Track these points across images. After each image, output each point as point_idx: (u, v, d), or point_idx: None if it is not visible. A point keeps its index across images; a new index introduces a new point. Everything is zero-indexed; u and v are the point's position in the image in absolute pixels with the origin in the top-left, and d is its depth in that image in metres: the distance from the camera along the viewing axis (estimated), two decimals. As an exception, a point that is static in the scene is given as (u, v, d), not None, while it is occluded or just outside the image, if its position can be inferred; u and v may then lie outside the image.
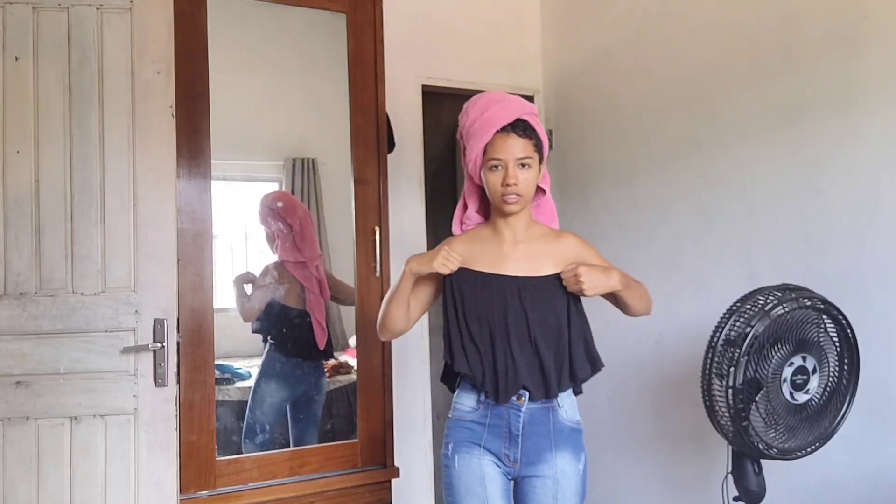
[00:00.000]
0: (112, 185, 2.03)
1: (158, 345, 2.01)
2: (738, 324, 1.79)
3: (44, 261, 1.99)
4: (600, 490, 3.04)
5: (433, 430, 3.15)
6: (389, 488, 2.50)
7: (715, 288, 2.49)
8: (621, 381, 2.92)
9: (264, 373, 2.59)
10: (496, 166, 1.66)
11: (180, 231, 2.15)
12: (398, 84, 2.96)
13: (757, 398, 1.78)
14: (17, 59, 1.99)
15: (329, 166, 2.91)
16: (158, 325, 2.02)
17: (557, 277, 1.68)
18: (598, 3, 3.12)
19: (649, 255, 2.79)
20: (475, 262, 1.72)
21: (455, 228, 1.85)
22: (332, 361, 2.87)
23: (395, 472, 2.49)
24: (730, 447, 1.91)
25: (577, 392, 1.76)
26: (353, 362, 2.64)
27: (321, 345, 2.59)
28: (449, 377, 1.79)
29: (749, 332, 1.75)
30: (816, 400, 1.84)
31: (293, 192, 2.89)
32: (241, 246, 2.70)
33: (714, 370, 1.82)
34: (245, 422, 2.51)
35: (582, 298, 1.70)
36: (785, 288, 1.86)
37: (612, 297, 1.74)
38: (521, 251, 1.72)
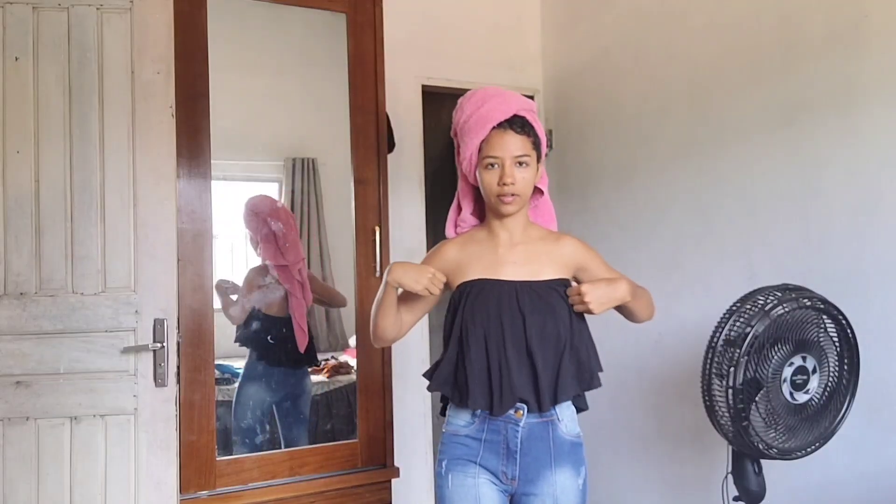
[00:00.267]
0: (112, 185, 2.03)
1: (158, 345, 2.01)
2: (738, 324, 1.79)
3: (44, 261, 1.99)
4: (600, 490, 3.04)
5: (433, 430, 3.15)
6: (389, 488, 2.50)
7: (715, 288, 2.49)
8: (621, 381, 2.92)
9: (247, 376, 2.57)
10: (492, 164, 1.57)
11: (180, 231, 2.15)
12: (398, 84, 2.96)
13: (757, 398, 1.78)
14: (17, 59, 1.99)
15: (329, 166, 2.91)
16: (158, 325, 2.02)
17: (559, 282, 1.61)
18: (598, 3, 3.12)
19: (649, 255, 2.79)
20: (469, 267, 1.64)
21: (449, 231, 1.76)
22: (331, 361, 2.87)
23: (395, 472, 2.49)
24: (730, 447, 1.91)
25: (580, 408, 1.67)
26: (353, 362, 2.64)
27: (302, 348, 2.56)
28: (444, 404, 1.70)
29: (749, 332, 1.75)
30: (816, 400, 1.84)
31: (293, 193, 2.89)
32: (241, 246, 2.70)
33: (714, 370, 1.82)
34: (231, 423, 2.50)
35: None
36: (785, 288, 1.86)
37: (618, 306, 1.64)
38: (518, 254, 1.63)
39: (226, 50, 2.37)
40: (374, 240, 2.49)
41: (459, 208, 1.75)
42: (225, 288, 2.49)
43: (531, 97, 3.38)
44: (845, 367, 1.85)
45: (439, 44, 3.21)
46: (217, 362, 2.29)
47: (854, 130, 2.06)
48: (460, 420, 1.63)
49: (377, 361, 2.51)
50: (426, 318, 3.06)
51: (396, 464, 2.51)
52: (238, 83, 2.62)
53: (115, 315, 2.01)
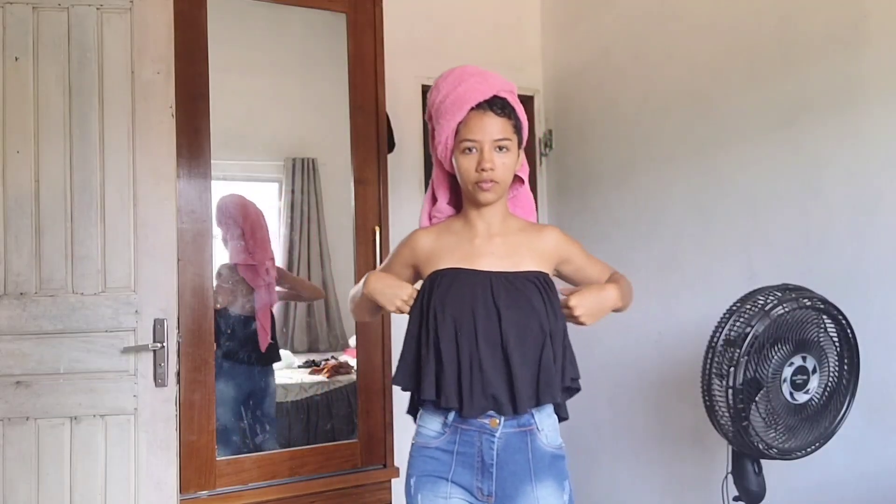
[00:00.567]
0: (112, 185, 2.03)
1: (158, 345, 2.01)
2: (738, 324, 1.79)
3: (44, 261, 1.99)
4: (600, 490, 3.04)
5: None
6: (389, 488, 2.50)
7: (715, 288, 2.49)
8: (621, 381, 2.92)
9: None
10: (470, 149, 1.46)
11: (180, 231, 2.15)
12: (398, 84, 2.96)
13: (757, 398, 1.78)
14: (17, 59, 1.99)
15: (329, 166, 2.91)
16: (158, 325, 2.02)
17: (538, 275, 1.49)
18: (598, 3, 3.12)
19: (649, 255, 2.79)
20: (442, 258, 1.52)
21: (423, 223, 1.66)
22: (331, 362, 2.87)
23: (395, 472, 2.49)
24: (730, 447, 1.91)
25: (562, 416, 1.55)
26: (353, 362, 2.64)
27: (263, 347, 2.56)
28: (414, 404, 1.57)
29: (749, 332, 1.75)
30: (816, 400, 1.84)
31: (293, 193, 2.89)
32: (241, 246, 2.70)
33: (714, 370, 1.82)
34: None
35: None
36: (785, 288, 1.86)
37: None
38: (496, 246, 1.51)
39: (226, 50, 2.37)
40: (374, 240, 2.49)
41: (434, 198, 1.64)
42: None
43: (531, 97, 3.40)
44: (845, 367, 1.85)
45: (439, 44, 3.21)
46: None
47: (854, 130, 2.06)
48: (430, 430, 1.51)
49: (377, 361, 2.51)
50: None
51: (396, 464, 2.51)
52: (238, 83, 2.62)
53: (115, 315, 2.01)
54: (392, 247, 2.54)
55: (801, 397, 1.81)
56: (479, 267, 1.49)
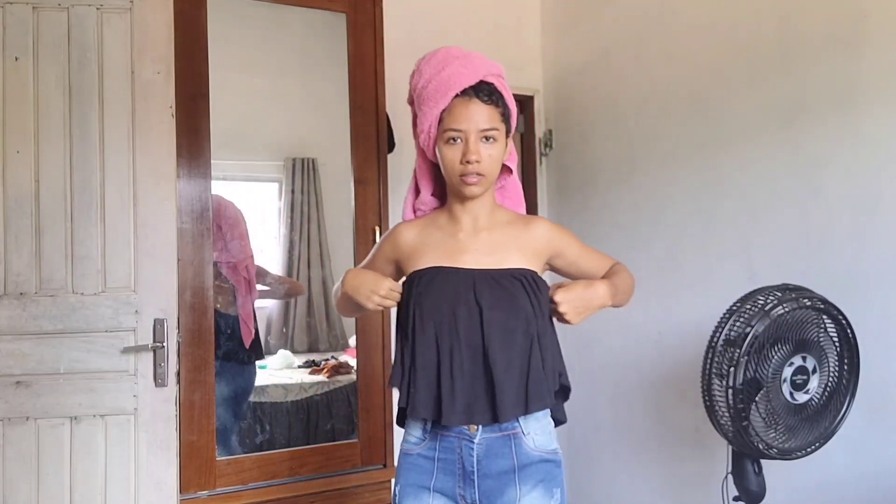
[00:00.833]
0: (112, 185, 2.03)
1: (158, 345, 2.01)
2: (738, 324, 1.79)
3: (44, 261, 1.99)
4: (600, 490, 3.04)
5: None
6: (389, 488, 2.49)
7: (715, 288, 2.49)
8: (621, 381, 2.92)
9: None
10: (454, 139, 1.37)
11: (180, 231, 2.15)
12: (398, 84, 2.95)
13: (757, 398, 1.78)
14: (17, 59, 1.99)
15: (329, 166, 2.91)
16: (158, 325, 2.02)
17: (524, 272, 1.39)
18: (598, 3, 3.12)
19: (649, 255, 2.79)
20: (424, 254, 1.44)
21: (406, 216, 1.57)
22: (331, 362, 2.87)
23: (395, 472, 2.49)
24: (730, 447, 1.91)
25: (558, 420, 1.46)
26: (353, 362, 2.64)
27: (247, 343, 2.57)
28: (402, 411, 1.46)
29: (749, 332, 1.75)
30: (816, 400, 1.84)
31: (293, 193, 2.89)
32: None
33: (714, 370, 1.81)
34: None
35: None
36: (785, 288, 1.86)
37: None
38: (481, 241, 1.42)
39: (226, 50, 2.38)
40: (374, 240, 2.49)
41: (418, 190, 1.55)
42: None
43: (531, 97, 3.40)
44: (845, 367, 1.85)
45: (439, 44, 3.15)
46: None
47: (854, 130, 2.06)
48: (412, 436, 1.44)
49: (377, 361, 2.51)
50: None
51: (396, 464, 2.51)
52: (238, 83, 2.62)
53: (115, 315, 2.01)
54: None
55: (801, 397, 1.81)
56: (462, 264, 1.40)
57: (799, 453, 1.84)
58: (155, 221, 2.04)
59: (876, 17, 2.00)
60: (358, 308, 1.48)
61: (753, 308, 1.80)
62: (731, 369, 1.75)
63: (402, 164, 3.09)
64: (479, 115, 1.37)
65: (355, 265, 2.49)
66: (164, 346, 2.01)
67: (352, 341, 2.66)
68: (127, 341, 2.01)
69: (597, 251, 1.53)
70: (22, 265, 1.97)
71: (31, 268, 1.98)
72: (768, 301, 1.80)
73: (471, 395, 1.34)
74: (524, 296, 1.36)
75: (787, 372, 1.79)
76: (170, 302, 2.05)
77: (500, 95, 1.40)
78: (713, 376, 1.81)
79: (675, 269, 2.68)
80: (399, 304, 1.44)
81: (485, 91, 1.38)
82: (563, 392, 1.44)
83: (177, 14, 2.09)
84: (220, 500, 2.22)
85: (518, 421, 1.38)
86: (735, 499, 1.94)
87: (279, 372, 2.80)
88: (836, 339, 1.85)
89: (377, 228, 2.50)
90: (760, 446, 1.79)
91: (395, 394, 2.28)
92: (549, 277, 1.50)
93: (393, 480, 2.48)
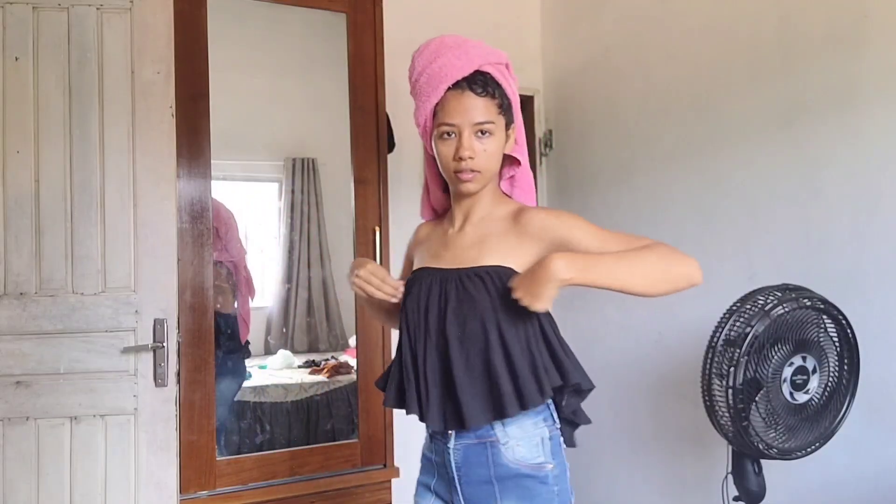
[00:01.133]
0: (112, 185, 2.03)
1: (158, 345, 2.01)
2: (738, 324, 1.79)
3: (44, 261, 1.99)
4: (600, 490, 3.04)
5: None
6: (389, 488, 2.50)
7: (715, 288, 2.48)
8: (621, 381, 2.92)
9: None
10: (448, 133, 1.30)
11: (180, 231, 2.15)
12: (398, 84, 2.96)
13: (757, 398, 1.78)
14: (17, 59, 1.99)
15: (329, 166, 2.91)
16: (158, 325, 2.02)
17: (494, 269, 1.29)
18: (598, 4, 3.12)
19: (649, 255, 2.79)
20: (419, 255, 1.43)
21: (424, 215, 1.52)
22: (331, 362, 2.87)
23: (395, 472, 2.49)
24: (730, 447, 1.91)
25: (574, 422, 1.35)
26: (353, 362, 2.64)
27: (243, 339, 2.61)
28: None
29: (749, 332, 1.75)
30: (816, 400, 1.84)
31: (293, 192, 2.89)
32: (241, 246, 2.70)
33: (714, 370, 1.82)
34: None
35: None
36: (785, 288, 1.86)
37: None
38: (464, 238, 1.36)
39: (226, 50, 2.37)
40: (374, 240, 2.49)
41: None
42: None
43: (531, 97, 3.40)
44: (845, 367, 1.85)
45: (439, 44, 3.20)
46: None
47: (854, 130, 2.06)
48: (426, 434, 1.43)
49: (377, 361, 2.51)
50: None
51: (396, 464, 2.51)
52: (238, 83, 2.62)
53: (115, 315, 2.01)
54: (392, 246, 2.56)
55: (801, 397, 1.81)
56: (443, 263, 1.35)
57: (799, 453, 1.84)
58: (155, 221, 2.04)
59: (876, 17, 2.00)
60: (369, 303, 1.48)
61: (753, 308, 1.80)
62: (731, 369, 1.75)
63: (402, 164, 3.09)
64: (473, 108, 1.29)
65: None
66: (164, 346, 2.01)
67: (352, 341, 2.66)
68: (127, 341, 2.01)
69: (625, 235, 1.32)
70: (22, 265, 1.97)
71: (31, 268, 1.98)
72: (768, 301, 1.80)
73: (444, 398, 1.29)
74: (484, 294, 1.27)
75: (787, 372, 1.79)
76: (170, 302, 2.05)
77: (498, 85, 1.33)
78: (713, 376, 1.82)
79: (675, 269, 2.68)
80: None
81: (479, 82, 1.30)
82: (563, 391, 1.31)
83: (177, 14, 2.09)
84: (220, 500, 2.22)
85: (493, 428, 1.29)
86: (735, 499, 1.94)
87: (279, 372, 2.80)
88: (836, 339, 1.85)
89: (377, 228, 2.50)
90: (760, 446, 1.79)
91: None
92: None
93: (393, 480, 2.50)
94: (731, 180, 2.45)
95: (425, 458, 1.42)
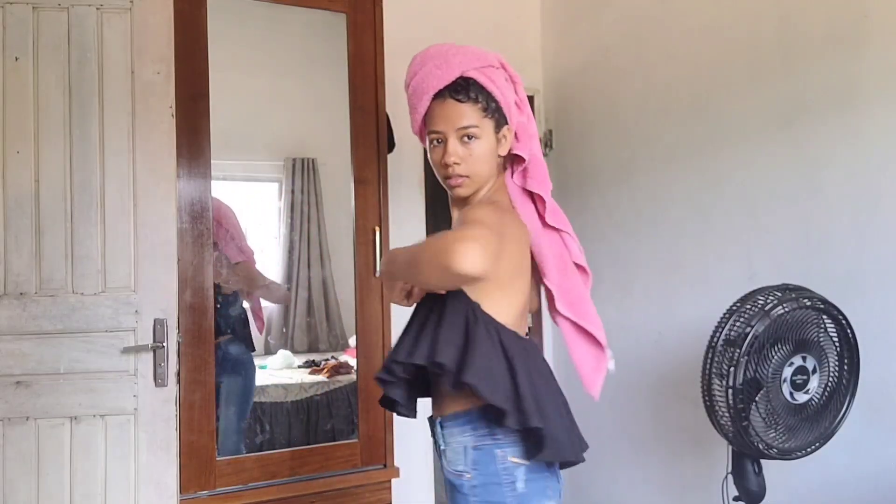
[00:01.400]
0: (112, 185, 2.03)
1: (158, 345, 2.01)
2: (738, 324, 1.79)
3: (44, 261, 1.99)
4: (600, 490, 3.04)
5: (433, 430, 3.15)
6: (389, 488, 2.49)
7: (715, 288, 2.49)
8: (621, 381, 2.91)
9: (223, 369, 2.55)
10: (438, 140, 1.35)
11: (180, 231, 2.15)
12: (398, 84, 2.95)
13: (757, 398, 1.78)
14: (17, 59, 1.99)
15: (329, 166, 2.91)
16: (158, 325, 2.02)
17: None
18: (598, 4, 3.12)
19: (649, 254, 2.79)
20: None
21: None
22: (331, 362, 2.87)
23: (395, 472, 2.49)
24: (730, 447, 1.91)
25: (500, 424, 1.27)
26: (353, 362, 2.64)
27: (261, 332, 2.67)
28: None
29: (749, 332, 1.75)
30: (816, 400, 1.84)
31: (293, 192, 2.90)
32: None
33: (714, 370, 1.82)
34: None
35: (482, 304, 1.31)
36: (785, 288, 1.86)
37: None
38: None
39: (226, 50, 2.37)
40: (374, 240, 2.49)
41: None
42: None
43: (531, 97, 3.39)
44: (845, 367, 1.85)
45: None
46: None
47: (854, 130, 2.06)
48: None
49: (377, 361, 2.50)
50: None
51: (396, 464, 2.51)
52: (238, 83, 2.62)
53: (115, 315, 2.01)
54: (392, 246, 2.55)
55: (801, 397, 1.81)
56: None
57: (799, 453, 1.84)
58: (155, 221, 2.04)
59: (876, 17, 2.00)
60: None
61: (753, 308, 1.80)
62: (731, 369, 1.75)
63: (402, 164, 3.09)
64: (456, 115, 1.32)
65: (355, 265, 2.50)
66: (164, 346, 2.01)
67: (352, 341, 2.66)
68: (127, 341, 2.01)
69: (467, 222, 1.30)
70: (22, 265, 1.97)
71: (31, 268, 1.98)
72: (768, 301, 1.80)
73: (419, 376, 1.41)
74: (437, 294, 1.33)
75: (787, 372, 1.79)
76: (170, 302, 2.04)
77: (482, 88, 1.33)
78: (713, 376, 1.82)
79: (675, 269, 2.68)
80: None
81: (459, 89, 1.33)
82: (447, 377, 1.28)
83: (177, 14, 2.09)
84: (220, 500, 2.22)
85: (441, 427, 1.37)
86: (735, 499, 1.94)
87: (279, 372, 2.80)
88: (836, 339, 1.85)
89: (377, 228, 2.50)
90: (760, 446, 1.79)
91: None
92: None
93: (393, 480, 2.50)
94: (730, 180, 2.45)
95: None
